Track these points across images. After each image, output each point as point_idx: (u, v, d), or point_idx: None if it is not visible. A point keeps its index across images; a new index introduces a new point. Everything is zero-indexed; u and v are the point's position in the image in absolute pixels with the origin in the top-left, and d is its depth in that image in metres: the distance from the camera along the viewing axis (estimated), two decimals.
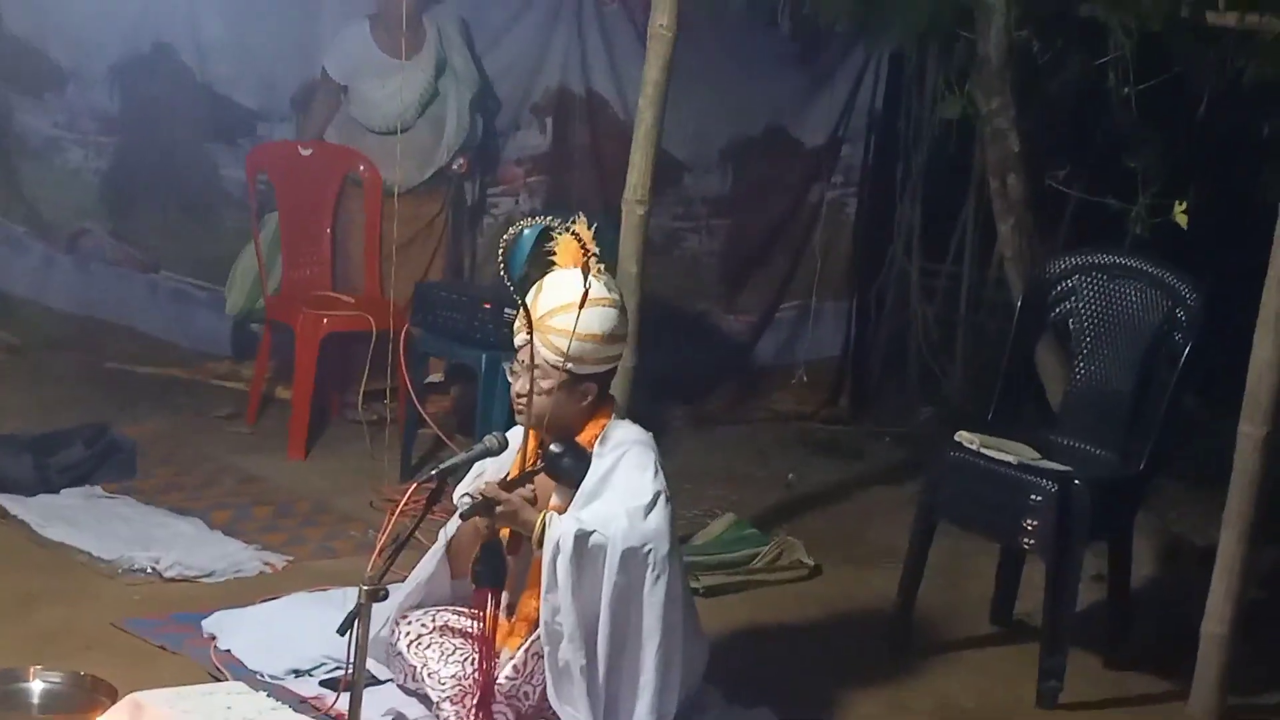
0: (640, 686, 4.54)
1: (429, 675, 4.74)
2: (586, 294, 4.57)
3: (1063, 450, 5.62)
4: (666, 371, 7.51)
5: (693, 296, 8.30)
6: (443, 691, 4.70)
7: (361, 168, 7.44)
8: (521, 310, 4.61)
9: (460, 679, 4.68)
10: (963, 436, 5.56)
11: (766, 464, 7.56)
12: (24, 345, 7.89)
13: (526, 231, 7.13)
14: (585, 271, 4.60)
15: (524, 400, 4.66)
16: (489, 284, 7.61)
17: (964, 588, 6.15)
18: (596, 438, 4.70)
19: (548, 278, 4.68)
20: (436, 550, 4.90)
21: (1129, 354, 5.68)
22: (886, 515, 6.89)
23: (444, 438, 6.79)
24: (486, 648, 4.58)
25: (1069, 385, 5.87)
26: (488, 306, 6.66)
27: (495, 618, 4.61)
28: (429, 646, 4.79)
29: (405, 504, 4.78)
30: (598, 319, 4.60)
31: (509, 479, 4.68)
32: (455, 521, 4.89)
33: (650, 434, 4.78)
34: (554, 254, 4.75)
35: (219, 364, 7.91)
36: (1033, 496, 5.33)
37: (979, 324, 8.37)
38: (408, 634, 4.84)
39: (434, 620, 4.86)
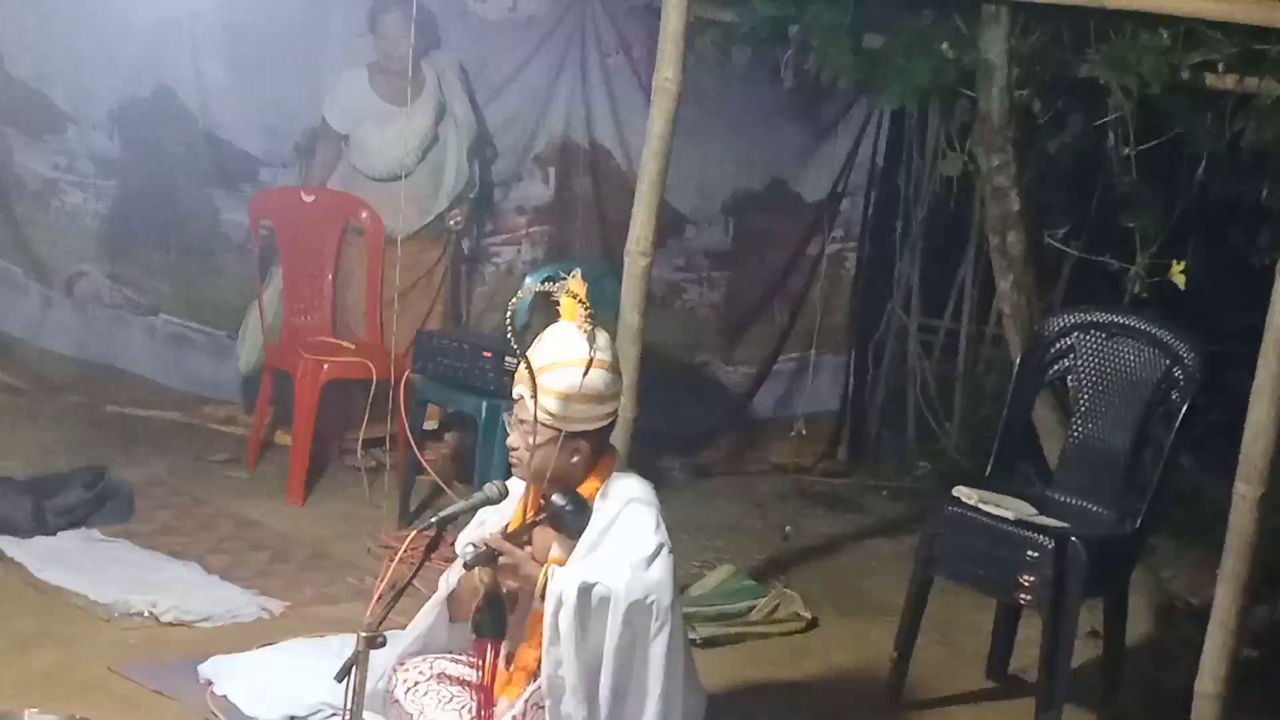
0: None
1: None
2: (590, 361, 4.59)
3: (1060, 507, 5.63)
4: (666, 422, 7.54)
5: (693, 348, 8.32)
6: None
7: (364, 214, 7.47)
8: (521, 364, 4.62)
9: None
10: (961, 491, 5.58)
11: (764, 516, 7.57)
12: (23, 387, 7.90)
13: (528, 280, 7.21)
14: (589, 335, 4.62)
15: (516, 454, 4.67)
16: (489, 332, 7.64)
17: (960, 642, 6.15)
18: (598, 489, 4.71)
19: (545, 333, 4.69)
20: (437, 599, 4.90)
21: (1126, 412, 5.69)
22: (884, 569, 6.91)
23: (443, 485, 6.80)
24: (486, 697, 4.58)
25: (1066, 442, 5.88)
26: (488, 355, 6.67)
27: (495, 667, 4.61)
28: (426, 694, 4.79)
29: (404, 551, 4.79)
30: (583, 379, 4.61)
31: (511, 530, 4.68)
32: (457, 570, 4.89)
33: (651, 485, 4.79)
34: (558, 303, 4.76)
35: (217, 408, 7.92)
36: (1030, 552, 5.34)
37: (977, 380, 8.39)
38: (405, 681, 4.83)
39: (431, 667, 4.86)
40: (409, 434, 6.67)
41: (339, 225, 7.54)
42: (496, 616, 4.59)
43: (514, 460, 4.68)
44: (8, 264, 7.95)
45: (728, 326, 8.39)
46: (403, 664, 4.87)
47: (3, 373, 7.92)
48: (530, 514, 4.73)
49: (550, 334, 4.67)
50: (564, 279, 4.72)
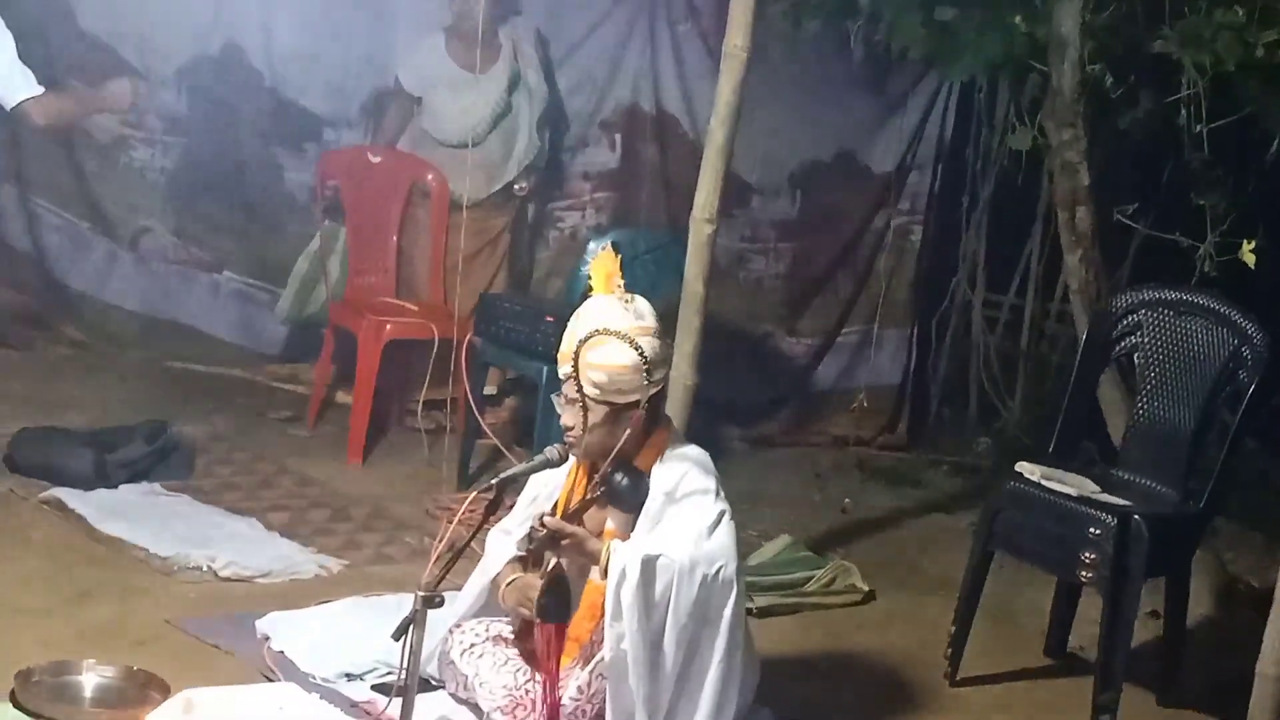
0: (699, 704, 4.53)
1: (481, 684, 4.75)
2: (632, 331, 4.59)
3: (1123, 485, 5.59)
4: (726, 393, 7.51)
5: (756, 319, 8.30)
6: (494, 701, 4.70)
7: (430, 177, 7.47)
8: (566, 343, 4.61)
9: (512, 689, 4.68)
10: (1023, 467, 5.54)
11: (823, 488, 7.54)
12: (87, 341, 7.94)
13: (591, 245, 7.22)
14: (627, 305, 4.61)
15: (572, 433, 4.65)
16: (552, 297, 7.63)
17: (1019, 619, 6.12)
18: (655, 461, 4.69)
19: (582, 308, 4.66)
20: (485, 575, 4.90)
21: (1192, 391, 5.64)
22: (942, 544, 6.88)
23: (503, 448, 6.79)
24: (551, 681, 4.58)
25: (1131, 420, 5.83)
26: (550, 319, 6.65)
27: (560, 651, 4.60)
28: (481, 656, 4.80)
29: (463, 513, 4.80)
30: (623, 351, 4.58)
31: (572, 509, 4.68)
32: (501, 552, 4.89)
33: (708, 454, 4.77)
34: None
35: (279, 366, 7.95)
36: (1092, 530, 5.30)
37: (1040, 356, 8.34)
38: (461, 643, 4.84)
39: (488, 630, 4.86)
40: (470, 396, 6.67)
41: (405, 187, 7.54)
42: (561, 601, 4.59)
43: (570, 440, 4.67)
44: (74, 219, 7.98)
45: (791, 298, 8.36)
46: (459, 626, 4.88)
47: (67, 327, 7.96)
48: (584, 491, 4.72)
49: (587, 309, 4.65)
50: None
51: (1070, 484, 5.44)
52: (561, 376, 4.68)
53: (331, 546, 6.03)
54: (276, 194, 7.98)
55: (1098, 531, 5.29)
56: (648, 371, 4.62)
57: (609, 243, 7.16)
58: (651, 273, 7.13)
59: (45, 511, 5.99)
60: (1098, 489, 5.47)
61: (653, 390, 4.68)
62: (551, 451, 4.83)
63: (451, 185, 7.35)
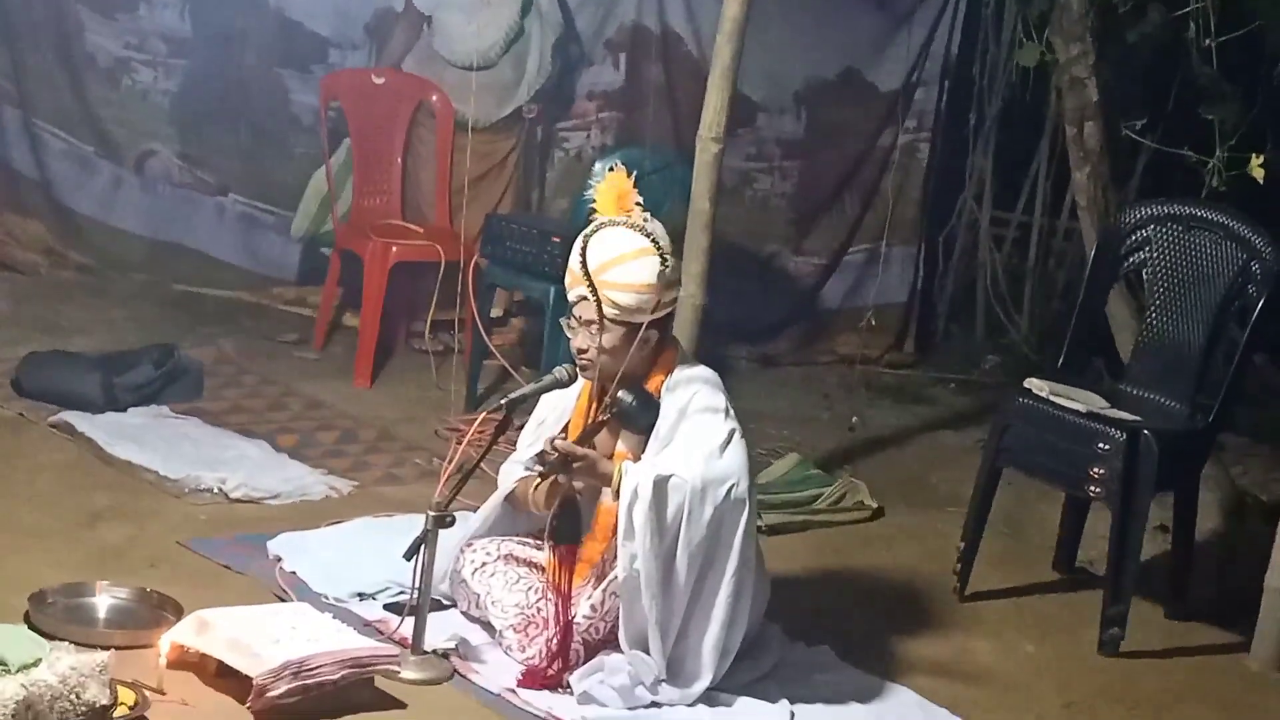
0: (710, 620, 4.55)
1: (493, 603, 4.77)
2: (655, 249, 4.59)
3: (1132, 400, 5.59)
4: (734, 312, 7.51)
5: (762, 238, 8.28)
6: (506, 619, 4.72)
7: (434, 98, 7.44)
8: (579, 266, 4.60)
9: (524, 607, 4.70)
10: (1032, 383, 5.54)
11: (831, 406, 7.55)
12: (92, 265, 7.93)
13: (597, 165, 7.20)
14: (642, 225, 4.61)
15: (586, 355, 4.65)
16: (558, 218, 7.62)
17: (1027, 535, 6.14)
18: (663, 382, 4.70)
19: (597, 232, 4.65)
20: (497, 497, 4.92)
21: (1201, 306, 5.63)
22: (950, 461, 6.89)
23: (510, 369, 6.80)
24: (564, 603, 4.59)
25: (1139, 336, 5.83)
26: (557, 240, 6.65)
27: (572, 573, 4.62)
28: (493, 575, 4.82)
29: (472, 434, 4.81)
30: (648, 268, 4.59)
31: (583, 433, 4.68)
32: (512, 472, 4.91)
33: (716, 374, 4.78)
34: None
35: (286, 289, 7.94)
36: (1100, 445, 5.31)
37: (1048, 273, 8.33)
38: (472, 562, 4.86)
39: (498, 549, 4.88)
40: (477, 318, 6.67)
41: (410, 108, 7.51)
42: (573, 523, 4.62)
43: (584, 363, 4.67)
44: (78, 142, 7.96)
45: (798, 217, 8.34)
46: (470, 545, 4.90)
47: (73, 251, 7.95)
48: (594, 414, 4.73)
49: (603, 230, 4.63)
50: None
51: (1079, 400, 5.45)
52: (573, 299, 4.67)
53: (341, 468, 6.04)
54: (282, 116, 7.95)
55: (1106, 447, 5.30)
56: (666, 290, 4.63)
57: (615, 163, 7.18)
58: (657, 193, 7.07)
59: (55, 435, 6.00)
60: (1106, 404, 5.47)
61: (667, 310, 4.69)
62: (560, 372, 4.84)
63: (461, 107, 7.32)
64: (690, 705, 4.55)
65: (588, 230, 4.66)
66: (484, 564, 4.85)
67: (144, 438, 6.02)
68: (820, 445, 6.90)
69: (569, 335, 4.72)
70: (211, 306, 7.73)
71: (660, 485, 4.45)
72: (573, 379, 4.83)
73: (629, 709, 4.49)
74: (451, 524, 4.64)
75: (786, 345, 8.22)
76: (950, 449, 7.11)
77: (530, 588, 4.76)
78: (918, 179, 8.33)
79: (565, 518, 4.63)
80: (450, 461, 4.79)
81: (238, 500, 5.64)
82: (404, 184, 7.53)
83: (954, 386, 8.00)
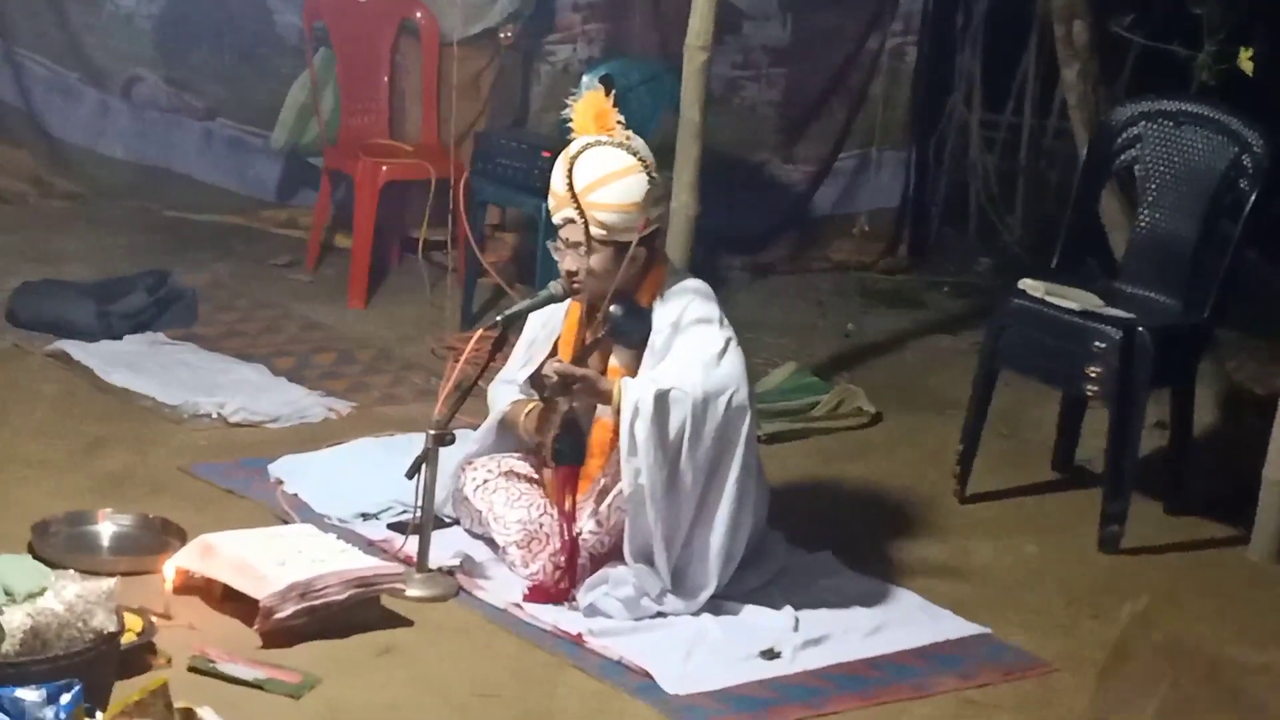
0: (713, 529, 4.57)
1: (495, 520, 4.79)
2: (642, 165, 4.59)
3: (1126, 298, 5.59)
4: (726, 222, 7.48)
5: (751, 147, 8.24)
6: (509, 535, 4.74)
7: (418, 14, 7.40)
8: (564, 188, 4.59)
9: (526, 523, 4.72)
10: (1026, 284, 5.54)
11: (825, 314, 7.54)
12: (81, 193, 7.91)
13: (585, 78, 7.16)
14: (625, 143, 4.60)
15: (576, 277, 4.64)
16: (548, 132, 7.58)
17: (1025, 435, 6.15)
18: (655, 297, 4.70)
19: (580, 153, 4.62)
20: (490, 423, 4.93)
21: (1194, 201, 5.63)
22: (946, 364, 6.90)
23: (504, 286, 6.79)
24: (568, 522, 4.61)
25: (1133, 233, 5.82)
26: (547, 155, 6.60)
27: (575, 492, 4.63)
28: (495, 491, 4.83)
29: (469, 351, 4.82)
30: (635, 186, 4.58)
31: (577, 354, 4.69)
32: (499, 394, 4.91)
33: (706, 284, 4.77)
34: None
35: (277, 211, 7.91)
36: (1096, 343, 5.31)
37: (1039, 174, 8.31)
38: (474, 479, 4.88)
39: (499, 465, 4.90)
40: (469, 236, 6.66)
41: (394, 25, 7.47)
42: (576, 443, 4.63)
43: (576, 285, 4.66)
44: (63, 70, 7.91)
45: (787, 124, 8.30)
46: (471, 464, 4.91)
47: (62, 179, 7.92)
48: (584, 333, 4.73)
49: (586, 150, 4.61)
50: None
51: (1073, 299, 5.45)
52: (559, 221, 4.66)
53: (339, 389, 6.04)
54: (267, 37, 7.89)
55: (1102, 344, 5.31)
56: (653, 207, 4.63)
57: (600, 76, 7.14)
58: (646, 104, 7.07)
59: (51, 364, 6.00)
60: (1101, 303, 5.47)
61: (654, 227, 4.68)
62: (555, 286, 4.84)
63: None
64: (695, 614, 4.58)
65: (569, 151, 4.63)
66: (485, 481, 4.86)
67: (140, 365, 6.02)
68: (816, 353, 6.90)
69: (555, 258, 4.72)
70: (203, 231, 7.71)
71: (661, 399, 4.46)
72: (568, 293, 4.83)
73: (634, 620, 4.52)
74: (451, 442, 4.65)
75: (779, 254, 8.20)
76: (946, 352, 7.12)
77: (532, 504, 4.78)
78: (906, 82, 8.28)
79: (567, 439, 4.64)
80: (448, 380, 4.80)
81: (237, 424, 5.64)
82: (390, 102, 7.50)
83: (948, 290, 7.99)
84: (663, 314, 4.66)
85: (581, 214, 4.56)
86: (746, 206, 8.08)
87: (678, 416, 4.47)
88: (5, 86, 7.90)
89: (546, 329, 4.92)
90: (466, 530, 4.91)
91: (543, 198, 6.46)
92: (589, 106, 4.71)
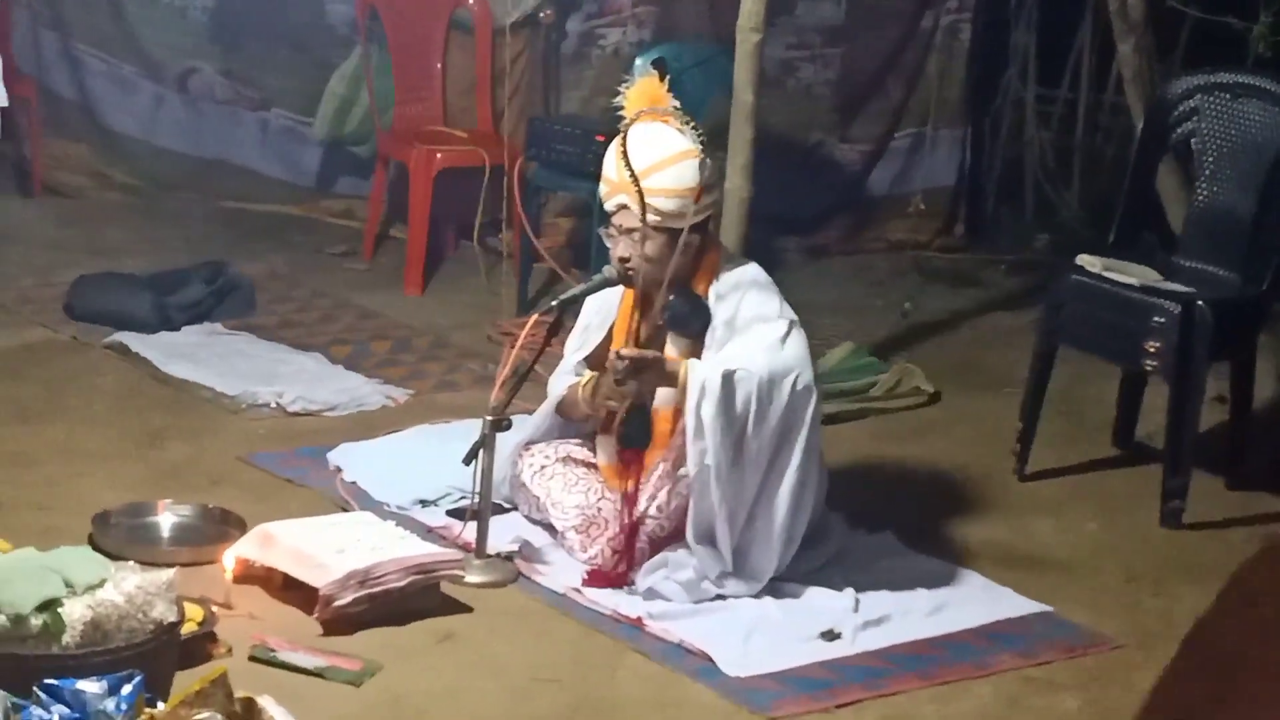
0: (775, 511, 4.56)
1: (553, 505, 4.79)
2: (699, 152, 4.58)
3: (1185, 272, 5.55)
4: (781, 203, 7.46)
5: (806, 128, 8.21)
6: (567, 520, 4.74)
7: (471, 1, 7.40)
8: (617, 174, 4.57)
9: (584, 508, 4.72)
10: (1084, 260, 5.50)
11: (882, 294, 7.52)
12: (139, 185, 7.95)
13: (637, 62, 7.14)
14: (682, 128, 4.58)
15: (630, 264, 4.63)
16: (600, 117, 7.57)
17: (1085, 412, 6.11)
18: (710, 282, 4.68)
19: (632, 138, 4.59)
20: (547, 407, 4.93)
21: (1251, 174, 5.58)
22: (1005, 342, 6.86)
23: (560, 271, 6.79)
24: (630, 506, 4.61)
25: (1190, 207, 5.78)
26: (601, 139, 6.61)
27: (640, 476, 4.63)
28: (552, 477, 4.83)
29: (525, 336, 4.82)
30: (690, 171, 4.56)
31: (640, 343, 4.68)
32: (563, 378, 4.91)
33: (761, 270, 4.75)
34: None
35: (332, 201, 7.94)
36: (1155, 318, 5.28)
37: (1095, 149, 8.25)
38: (531, 465, 4.88)
39: (556, 451, 4.89)
40: (524, 221, 6.66)
41: (446, 12, 7.48)
42: (642, 426, 4.65)
43: (630, 272, 4.65)
44: (120, 62, 7.95)
45: (841, 104, 8.26)
46: (528, 449, 4.91)
47: (118, 172, 7.96)
48: (637, 321, 4.72)
49: (640, 135, 4.59)
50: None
51: (1132, 274, 5.41)
52: (611, 208, 4.65)
53: (396, 377, 6.05)
54: (319, 27, 7.91)
55: (1161, 319, 5.27)
56: (709, 192, 4.62)
57: (652, 60, 7.12)
58: (699, 86, 7.05)
59: (110, 356, 6.04)
60: (1159, 277, 5.44)
61: (708, 212, 4.67)
62: (610, 270, 4.84)
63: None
64: (755, 596, 4.57)
65: (622, 137, 4.61)
66: (543, 467, 4.87)
67: (198, 356, 6.05)
68: (874, 333, 6.88)
69: (608, 245, 4.70)
70: (259, 222, 7.74)
71: (728, 379, 4.45)
72: (622, 279, 4.84)
73: (694, 602, 4.51)
74: (508, 427, 4.66)
75: (835, 234, 8.17)
76: (1004, 330, 7.08)
77: (590, 489, 4.78)
78: (961, 60, 8.23)
79: (635, 422, 4.64)
80: (504, 365, 4.80)
81: (295, 414, 5.66)
82: (444, 88, 7.51)
83: (1006, 267, 7.94)
84: (722, 300, 4.64)
85: (638, 200, 4.54)
86: (801, 188, 8.05)
87: (743, 397, 4.46)
88: (62, 81, 7.94)
89: (601, 314, 4.91)
90: (524, 516, 4.91)
91: (596, 182, 6.52)
92: (643, 91, 4.69)
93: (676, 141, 4.59)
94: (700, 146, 4.61)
